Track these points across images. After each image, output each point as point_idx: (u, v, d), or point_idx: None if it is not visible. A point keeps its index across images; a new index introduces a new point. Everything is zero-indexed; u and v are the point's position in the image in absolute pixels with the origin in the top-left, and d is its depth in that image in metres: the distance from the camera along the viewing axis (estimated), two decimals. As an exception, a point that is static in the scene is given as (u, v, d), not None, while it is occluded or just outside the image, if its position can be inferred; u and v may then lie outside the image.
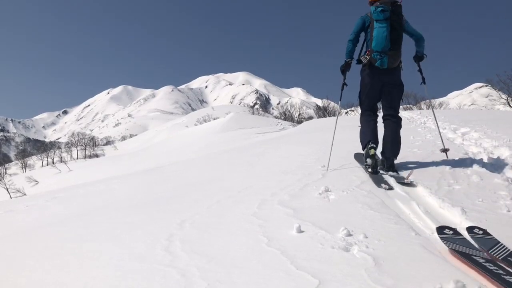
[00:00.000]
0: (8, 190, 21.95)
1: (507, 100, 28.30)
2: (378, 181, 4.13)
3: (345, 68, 4.77)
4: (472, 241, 2.49)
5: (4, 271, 3.09)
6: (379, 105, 4.96)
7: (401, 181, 4.07)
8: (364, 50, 4.70)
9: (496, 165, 4.48)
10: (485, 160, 4.81)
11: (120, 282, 2.41)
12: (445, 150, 4.24)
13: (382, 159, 4.70)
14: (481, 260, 2.16)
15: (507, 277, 1.94)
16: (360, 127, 4.90)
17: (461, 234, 2.58)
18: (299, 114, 49.80)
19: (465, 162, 4.72)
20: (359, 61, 4.74)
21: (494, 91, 30.62)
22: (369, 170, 4.47)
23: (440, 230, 2.63)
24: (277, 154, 8.08)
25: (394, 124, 4.71)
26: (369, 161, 4.49)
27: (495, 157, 4.92)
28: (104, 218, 4.73)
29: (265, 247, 2.66)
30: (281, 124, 32.82)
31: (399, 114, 4.77)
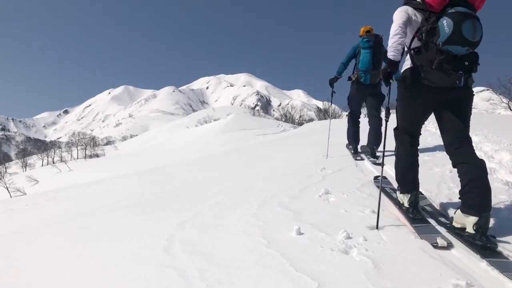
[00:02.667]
0: (8, 189, 21.94)
1: (508, 104, 28.27)
2: (355, 156, 6.13)
3: (333, 81, 6.34)
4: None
5: (4, 270, 3.09)
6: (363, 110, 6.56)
7: (375, 162, 5.58)
8: (353, 70, 6.17)
9: (496, 169, 4.49)
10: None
11: (119, 283, 2.42)
12: None
13: (366, 147, 6.16)
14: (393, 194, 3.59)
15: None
16: (347, 126, 6.61)
17: (387, 178, 4.15)
18: (300, 116, 49.77)
19: (465, 166, 4.72)
20: (349, 79, 6.24)
21: (495, 95, 30.57)
22: (352, 151, 6.37)
23: (375, 177, 4.38)
24: (278, 155, 8.08)
25: (376, 122, 6.00)
26: (352, 148, 6.42)
27: (495, 161, 4.92)
28: (104, 218, 4.73)
29: (264, 248, 2.67)
30: (281, 126, 32.80)
31: (380, 115, 6.06)
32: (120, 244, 3.32)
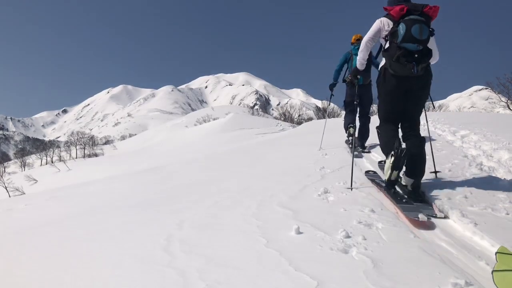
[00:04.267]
0: (7, 188, 21.94)
1: (506, 103, 28.30)
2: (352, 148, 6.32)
3: (332, 87, 7.33)
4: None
5: (3, 270, 3.09)
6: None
7: (364, 151, 6.85)
8: (347, 73, 7.20)
9: (495, 168, 4.49)
10: (484, 162, 4.82)
11: (119, 282, 2.42)
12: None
13: (358, 142, 7.13)
14: (383, 184, 3.98)
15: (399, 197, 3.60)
16: (344, 118, 7.64)
17: (376, 172, 4.80)
18: (299, 115, 49.80)
19: (464, 165, 4.73)
20: (344, 81, 7.26)
21: (494, 93, 30.60)
22: (349, 141, 7.22)
23: (366, 172, 4.85)
24: (277, 155, 8.08)
25: (365, 120, 7.29)
26: (349, 136, 7.28)
27: (494, 159, 4.93)
28: (103, 217, 4.73)
29: (264, 248, 2.66)
30: (280, 125, 32.82)
31: (368, 114, 7.42)
32: (119, 243, 3.31)
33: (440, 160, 4.90)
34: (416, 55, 3.55)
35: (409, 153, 3.61)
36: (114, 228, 3.96)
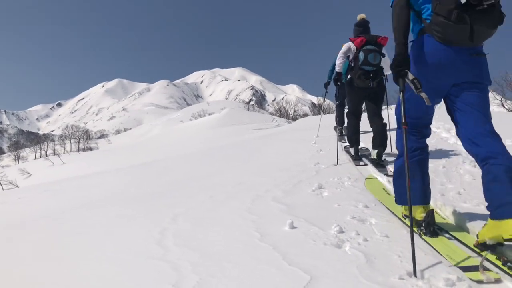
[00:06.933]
0: (1, 182, 21.82)
1: (500, 101, 28.46)
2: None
3: (326, 85, 8.39)
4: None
5: (-5, 262, 3.08)
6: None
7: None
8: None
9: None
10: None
11: (112, 276, 2.42)
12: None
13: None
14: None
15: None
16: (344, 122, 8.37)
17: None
18: (294, 111, 49.76)
19: (458, 162, 4.76)
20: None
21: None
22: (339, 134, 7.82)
23: (345, 146, 6.54)
24: (272, 150, 8.08)
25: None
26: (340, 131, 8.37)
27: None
28: (97, 211, 4.72)
29: (258, 242, 2.67)
30: (276, 121, 32.77)
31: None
32: (113, 237, 3.31)
33: (434, 156, 4.93)
34: (371, 74, 5.24)
35: (375, 130, 5.31)
36: (108, 222, 3.96)
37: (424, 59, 2.52)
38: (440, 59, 2.48)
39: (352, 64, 5.45)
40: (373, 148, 5.22)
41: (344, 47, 5.52)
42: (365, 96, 5.57)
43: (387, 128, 5.44)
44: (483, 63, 2.52)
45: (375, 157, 5.12)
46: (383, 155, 5.28)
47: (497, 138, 2.39)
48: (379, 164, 4.98)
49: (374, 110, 5.53)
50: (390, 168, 4.57)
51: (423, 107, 2.57)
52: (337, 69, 5.72)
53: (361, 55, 5.19)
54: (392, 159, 5.20)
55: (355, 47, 5.35)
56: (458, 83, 2.53)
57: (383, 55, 5.30)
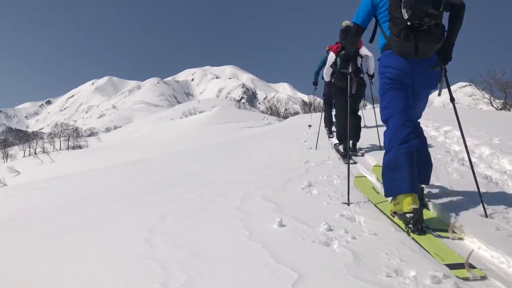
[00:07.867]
0: (-12, 180, 21.57)
1: (489, 99, 28.72)
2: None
3: (314, 84, 8.78)
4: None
5: (-19, 262, 3.04)
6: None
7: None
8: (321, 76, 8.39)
9: (476, 163, 4.56)
10: (466, 158, 4.88)
11: (100, 274, 2.40)
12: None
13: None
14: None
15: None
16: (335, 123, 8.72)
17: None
18: (285, 109, 49.85)
19: (447, 160, 4.80)
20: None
21: (477, 90, 31.01)
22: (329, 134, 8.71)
23: (334, 144, 6.95)
24: (262, 149, 8.09)
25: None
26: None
27: (476, 155, 5.00)
28: (86, 209, 4.69)
29: (246, 240, 2.67)
30: (267, 119, 32.82)
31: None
32: (101, 235, 3.29)
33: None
34: (348, 76, 5.20)
35: (352, 124, 5.72)
36: (97, 220, 3.93)
37: (392, 67, 3.05)
38: (402, 68, 3.00)
39: (332, 69, 6.11)
40: (349, 139, 5.63)
41: (330, 57, 6.12)
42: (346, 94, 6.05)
43: (364, 124, 6.55)
44: (437, 74, 3.07)
45: (351, 146, 5.83)
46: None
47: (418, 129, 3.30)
48: (353, 151, 5.93)
49: (352, 105, 6.10)
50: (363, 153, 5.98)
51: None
52: (326, 79, 6.44)
53: (339, 59, 5.95)
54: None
55: (334, 54, 6.00)
56: (415, 88, 3.12)
57: (361, 57, 6.02)
